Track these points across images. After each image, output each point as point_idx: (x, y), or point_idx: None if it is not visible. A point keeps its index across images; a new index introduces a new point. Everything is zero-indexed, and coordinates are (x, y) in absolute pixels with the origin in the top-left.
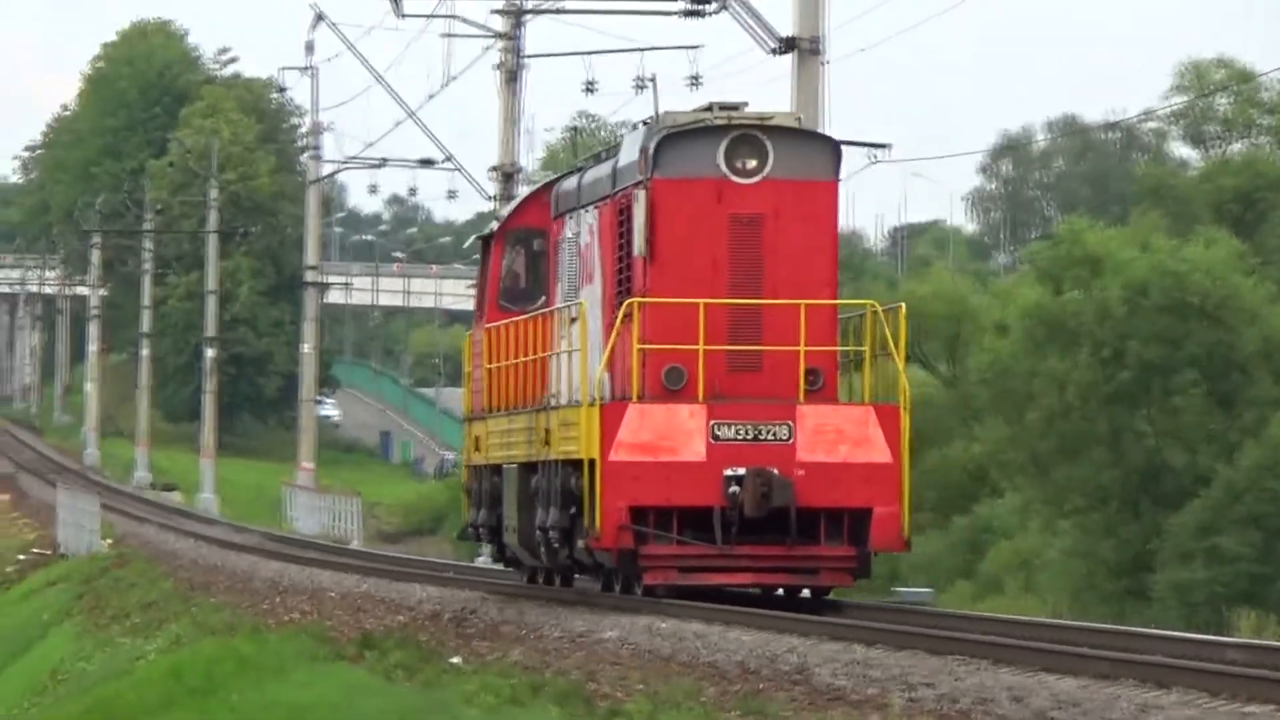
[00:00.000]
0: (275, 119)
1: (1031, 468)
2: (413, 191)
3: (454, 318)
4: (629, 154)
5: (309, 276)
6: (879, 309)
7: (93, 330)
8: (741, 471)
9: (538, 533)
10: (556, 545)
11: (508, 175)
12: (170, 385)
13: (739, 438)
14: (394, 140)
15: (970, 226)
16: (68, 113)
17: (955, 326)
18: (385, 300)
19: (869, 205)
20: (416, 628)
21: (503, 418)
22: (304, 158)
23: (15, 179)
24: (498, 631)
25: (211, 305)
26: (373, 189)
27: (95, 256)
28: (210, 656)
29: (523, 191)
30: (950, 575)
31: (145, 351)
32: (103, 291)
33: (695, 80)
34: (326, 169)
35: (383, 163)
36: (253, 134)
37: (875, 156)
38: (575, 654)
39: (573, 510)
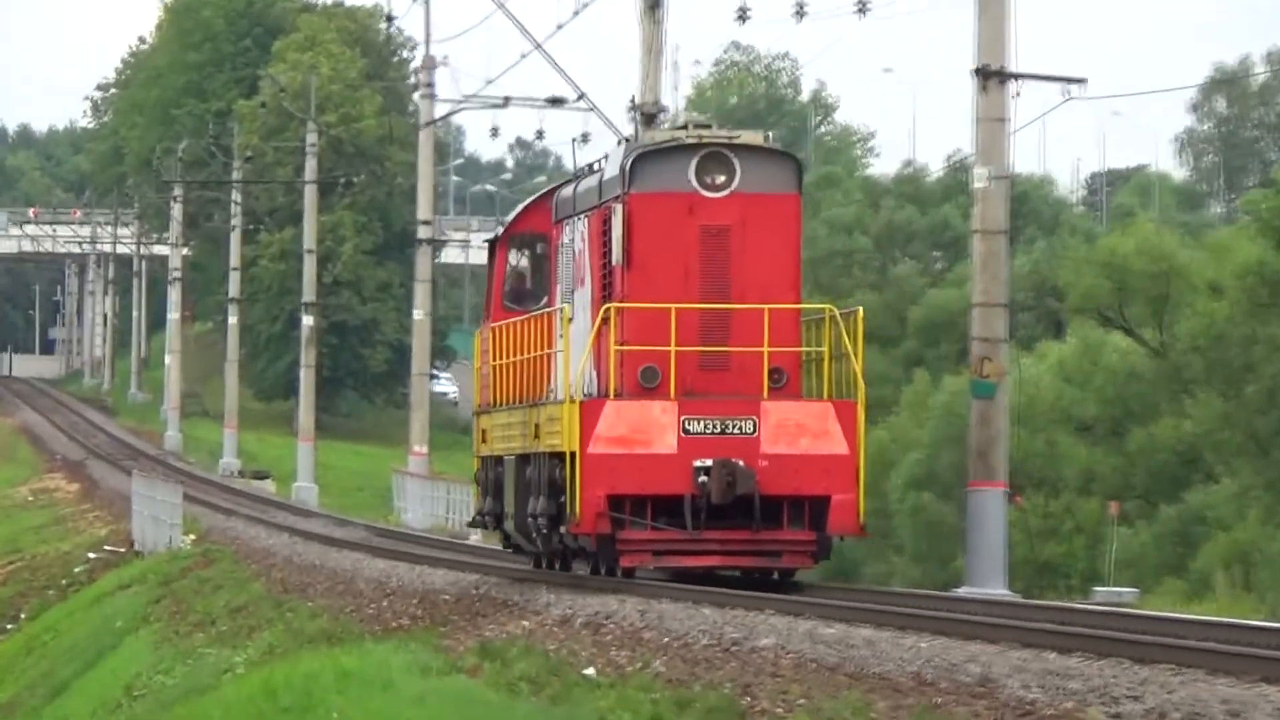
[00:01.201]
0: (382, 53)
1: (1251, 448)
2: (540, 135)
3: None
4: (611, 169)
5: (421, 233)
6: (836, 313)
7: (173, 295)
8: (709, 463)
9: (529, 519)
10: (545, 531)
11: (649, 116)
12: (262, 358)
13: (707, 431)
14: (518, 76)
15: (1179, 172)
16: (145, 47)
17: (1163, 287)
18: None
19: (1063, 150)
20: (543, 634)
21: (503, 412)
22: (415, 97)
23: (86, 123)
24: (639, 639)
25: (309, 266)
26: (494, 132)
27: (176, 211)
28: (307, 669)
29: (526, 199)
30: (1158, 572)
31: (233, 319)
32: (185, 251)
33: (863, 5)
34: (441, 109)
35: (505, 102)
36: (356, 70)
37: (1069, 93)
38: (728, 664)
39: (560, 499)
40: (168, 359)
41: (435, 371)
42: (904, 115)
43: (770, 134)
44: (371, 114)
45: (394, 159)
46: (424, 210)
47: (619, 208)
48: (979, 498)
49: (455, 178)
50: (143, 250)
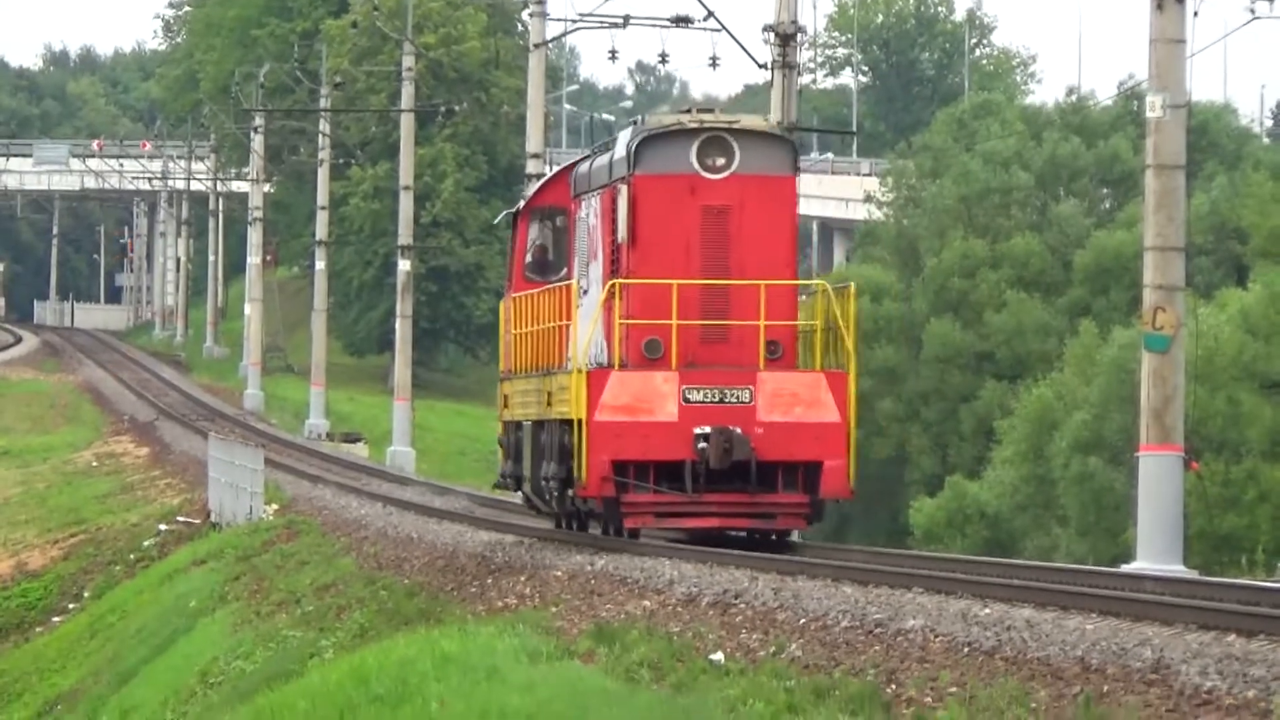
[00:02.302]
0: None
1: None
2: (663, 58)
3: None
4: (619, 151)
5: (531, 167)
6: (829, 288)
7: (253, 237)
8: (708, 430)
9: (542, 482)
10: (557, 494)
11: (786, 38)
12: (353, 308)
13: (707, 400)
14: None
15: None
16: None
17: None
18: None
19: (1247, 75)
20: (665, 615)
21: (522, 379)
22: (524, 15)
23: (156, 45)
24: (772, 620)
25: (406, 205)
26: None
27: (257, 143)
28: (403, 654)
29: (548, 171)
30: None
31: (321, 264)
32: (267, 188)
33: None
34: (553, 29)
35: (625, 21)
36: None
37: (1254, 11)
38: (870, 648)
39: (569, 464)
40: (247, 309)
41: None
42: (1068, 37)
43: (769, 118)
44: (475, 35)
45: (500, 85)
46: (534, 142)
47: (624, 188)
48: (1152, 463)
49: (568, 106)
50: (220, 187)
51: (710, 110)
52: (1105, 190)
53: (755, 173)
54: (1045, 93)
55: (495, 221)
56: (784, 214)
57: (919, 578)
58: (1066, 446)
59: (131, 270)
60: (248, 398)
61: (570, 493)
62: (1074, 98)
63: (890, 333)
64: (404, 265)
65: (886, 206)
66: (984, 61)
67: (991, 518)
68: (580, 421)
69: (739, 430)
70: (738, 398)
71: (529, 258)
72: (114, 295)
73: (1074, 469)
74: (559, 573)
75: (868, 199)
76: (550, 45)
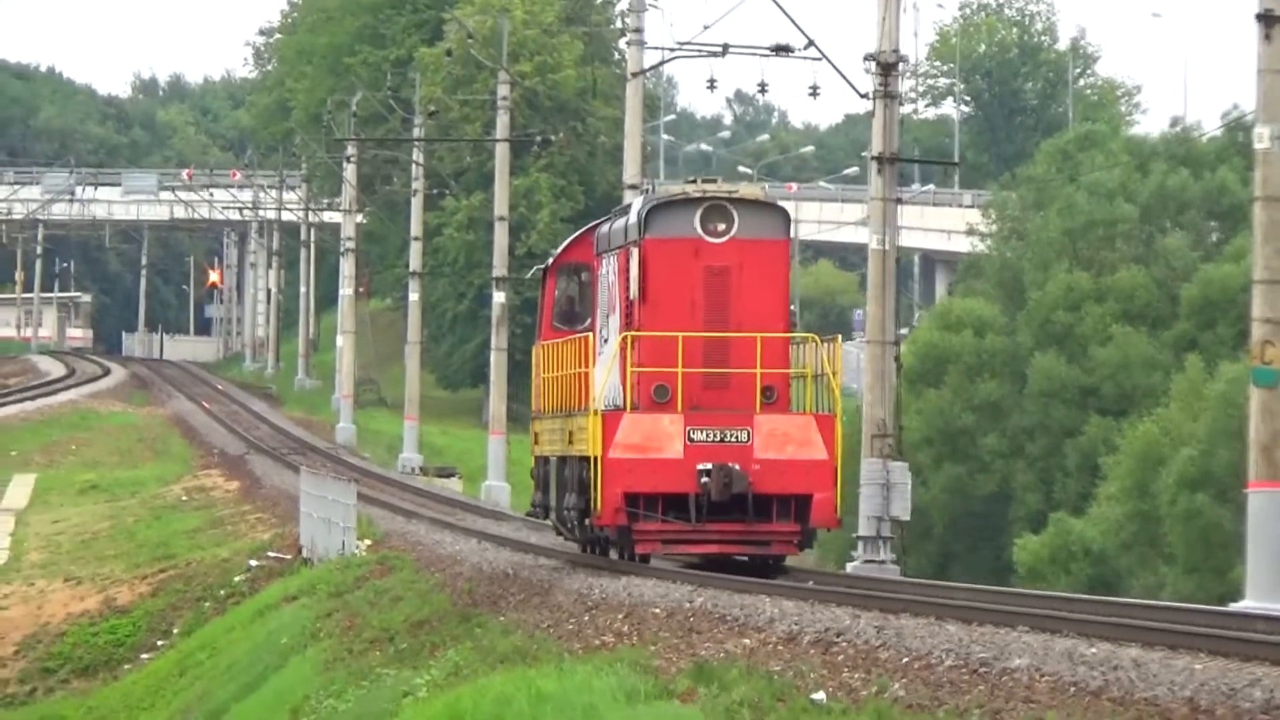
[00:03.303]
0: None
1: None
2: (763, 88)
3: (818, 251)
4: (632, 217)
5: (629, 198)
6: (818, 340)
7: (346, 268)
8: (710, 466)
9: (565, 511)
10: (576, 522)
11: (887, 67)
12: (448, 340)
13: (709, 440)
14: (738, 21)
15: None
16: None
17: None
18: None
19: None
20: (766, 654)
21: (549, 419)
22: (622, 44)
23: (246, 72)
24: (875, 659)
25: (501, 236)
26: (711, 85)
27: (349, 172)
28: (499, 693)
29: (574, 232)
30: None
31: (414, 296)
32: (359, 218)
33: None
34: (651, 58)
35: (724, 50)
36: (554, 13)
37: None
38: (975, 688)
39: (587, 495)
40: (339, 341)
41: None
42: (1174, 66)
43: (765, 187)
44: (571, 63)
45: (597, 114)
46: (631, 172)
47: (636, 250)
48: (1261, 500)
49: (666, 136)
50: (311, 217)
51: (713, 180)
52: (1212, 223)
53: (752, 237)
54: (1150, 123)
55: (528, 275)
56: (778, 273)
57: (1024, 616)
58: (1173, 483)
59: (221, 301)
60: (340, 431)
61: (588, 521)
62: (1179, 129)
63: (994, 367)
64: (499, 297)
65: (989, 239)
66: (1088, 91)
67: (1096, 555)
68: (596, 458)
69: (737, 467)
70: (736, 438)
71: (557, 309)
72: (203, 326)
73: (1181, 506)
74: (657, 610)
75: (970, 231)
76: (648, 74)
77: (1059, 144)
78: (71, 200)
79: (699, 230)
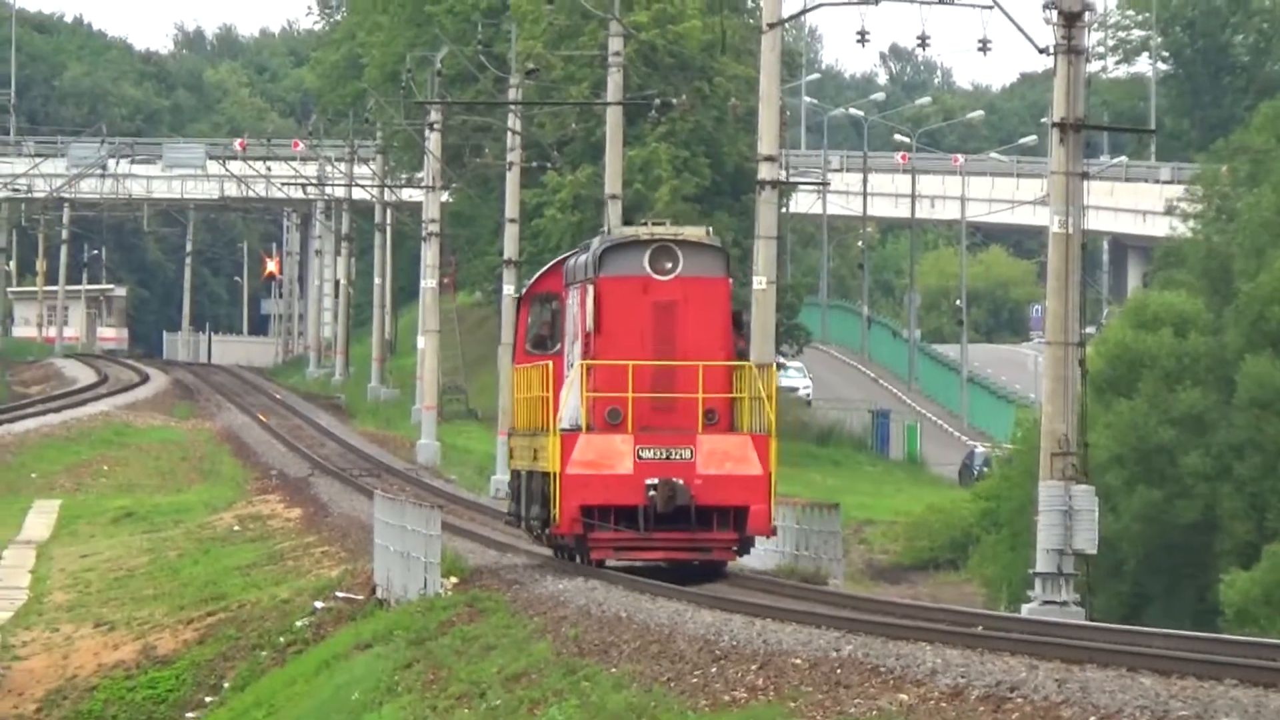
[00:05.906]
0: None
1: None
2: (923, 41)
3: (988, 236)
4: (590, 256)
5: (763, 172)
6: (753, 367)
7: (429, 256)
8: (657, 480)
9: (531, 521)
10: (539, 531)
11: (1071, 16)
12: None
13: (656, 457)
14: None
15: None
16: None
17: None
18: (881, 208)
19: None
20: (926, 711)
21: (520, 437)
22: None
23: (310, 24)
24: (1057, 717)
25: (613, 217)
26: (861, 38)
27: (433, 142)
28: None
29: (548, 262)
30: None
31: (509, 288)
32: (445, 196)
33: None
34: (791, 6)
35: None
36: None
37: None
38: None
39: (549, 507)
40: (421, 342)
41: (782, 358)
42: None
43: (709, 229)
44: (696, 13)
45: (726, 73)
46: (767, 143)
47: (590, 287)
48: None
49: (808, 99)
50: (388, 195)
51: (662, 224)
52: None
53: (695, 275)
54: None
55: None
56: (719, 307)
57: (1232, 667)
58: None
59: (281, 296)
60: (421, 449)
61: (548, 530)
62: None
63: (1197, 372)
64: None
65: (1193, 220)
66: None
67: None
68: (556, 474)
69: (681, 481)
70: (681, 455)
71: (530, 335)
72: (259, 325)
73: None
74: (798, 660)
75: (1169, 211)
76: (787, 25)
77: (1278, 107)
78: (103, 175)
79: (648, 269)
